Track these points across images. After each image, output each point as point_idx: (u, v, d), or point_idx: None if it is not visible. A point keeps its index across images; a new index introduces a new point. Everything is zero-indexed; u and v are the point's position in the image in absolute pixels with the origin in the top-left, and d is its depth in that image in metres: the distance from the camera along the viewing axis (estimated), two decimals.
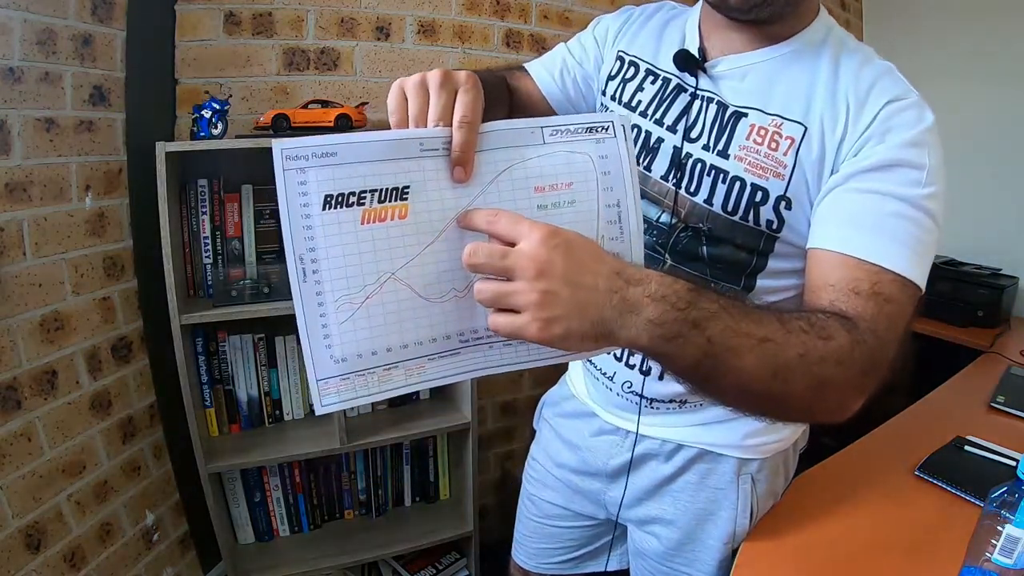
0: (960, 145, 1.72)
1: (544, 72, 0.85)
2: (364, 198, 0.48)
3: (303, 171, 0.46)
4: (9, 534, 1.03)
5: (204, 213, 1.36)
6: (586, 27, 0.87)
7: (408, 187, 0.49)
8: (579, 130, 0.54)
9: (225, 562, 1.43)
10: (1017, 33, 2.00)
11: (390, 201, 0.48)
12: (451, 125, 0.49)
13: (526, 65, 0.87)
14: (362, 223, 0.48)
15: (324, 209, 0.47)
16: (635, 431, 0.82)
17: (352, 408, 1.56)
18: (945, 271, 1.95)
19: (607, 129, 0.54)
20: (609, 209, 0.54)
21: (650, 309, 0.46)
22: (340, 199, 0.47)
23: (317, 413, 0.49)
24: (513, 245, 0.47)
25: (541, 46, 1.75)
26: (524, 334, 0.46)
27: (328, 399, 0.48)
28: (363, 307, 0.48)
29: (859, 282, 0.57)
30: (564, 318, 0.45)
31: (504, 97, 0.79)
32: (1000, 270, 1.98)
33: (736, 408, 0.55)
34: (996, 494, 0.69)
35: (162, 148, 1.17)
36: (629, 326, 0.46)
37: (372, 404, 1.58)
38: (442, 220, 0.50)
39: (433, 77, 0.50)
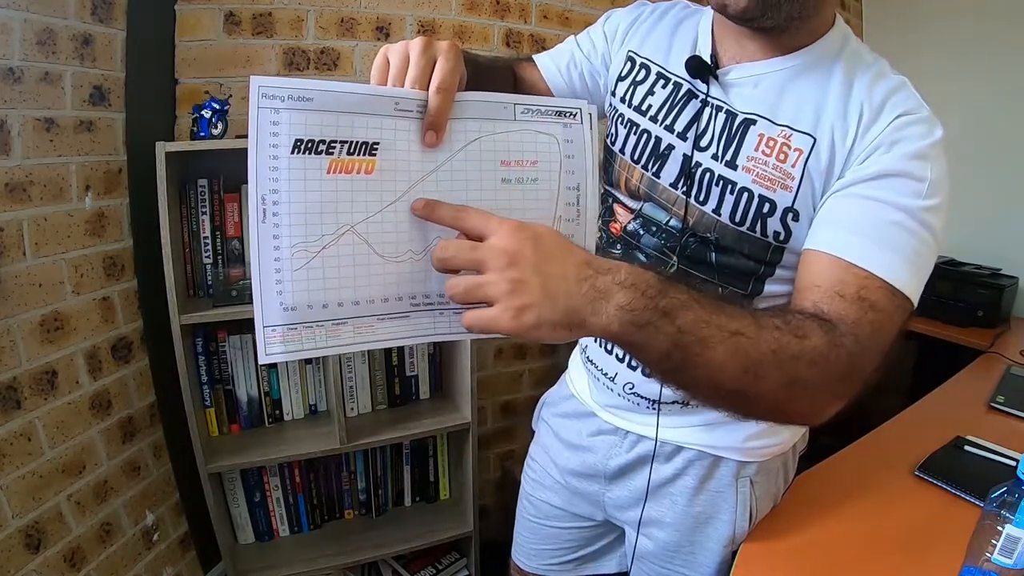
0: (960, 145, 1.72)
1: (551, 64, 0.84)
2: (333, 147, 0.48)
3: (277, 111, 0.46)
4: (9, 534, 1.03)
5: (204, 213, 1.37)
6: (586, 27, 0.86)
7: (378, 143, 0.49)
8: (549, 112, 0.55)
9: (225, 562, 1.43)
10: (1017, 33, 2.00)
11: (359, 155, 0.49)
12: (427, 90, 0.50)
13: (534, 56, 0.86)
14: (328, 172, 0.48)
15: (293, 152, 0.47)
16: (637, 431, 0.82)
17: (352, 408, 1.56)
18: (945, 271, 1.94)
19: (575, 115, 0.56)
20: (569, 191, 0.56)
21: (620, 296, 0.47)
22: (310, 145, 0.47)
23: (261, 362, 0.48)
24: (481, 240, 0.48)
25: (541, 46, 1.75)
26: (497, 325, 0.46)
27: (273, 348, 0.48)
28: (319, 257, 0.48)
29: (845, 285, 0.56)
30: (535, 306, 0.46)
31: (509, 85, 0.78)
32: (1000, 270, 1.98)
33: (709, 403, 0.56)
34: (996, 494, 0.69)
35: (162, 148, 1.17)
36: (600, 312, 0.47)
37: (373, 404, 1.60)
38: (407, 181, 0.51)
39: (415, 43, 0.51)
